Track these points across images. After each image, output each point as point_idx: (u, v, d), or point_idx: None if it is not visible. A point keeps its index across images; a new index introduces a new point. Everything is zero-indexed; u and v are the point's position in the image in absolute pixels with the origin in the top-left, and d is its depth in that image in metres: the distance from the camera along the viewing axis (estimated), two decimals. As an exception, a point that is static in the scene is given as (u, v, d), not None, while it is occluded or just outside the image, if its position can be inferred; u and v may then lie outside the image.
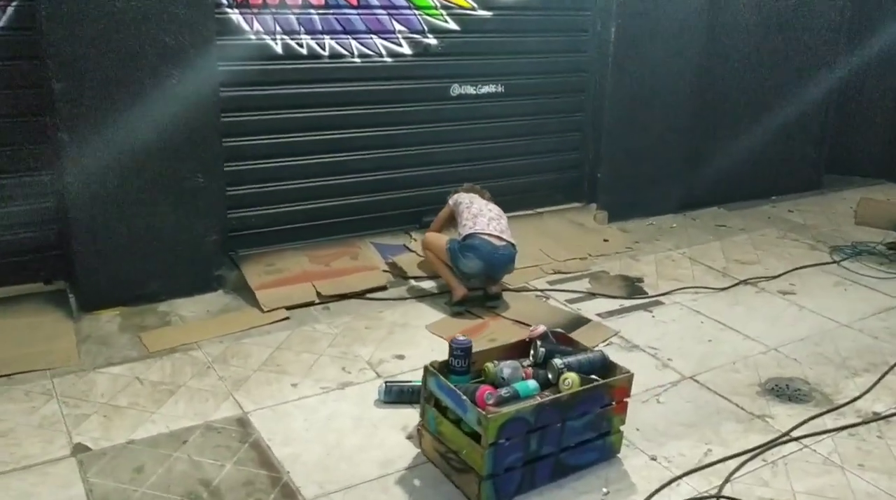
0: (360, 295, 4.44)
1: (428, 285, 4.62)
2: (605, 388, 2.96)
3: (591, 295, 4.66)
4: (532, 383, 2.94)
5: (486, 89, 5.28)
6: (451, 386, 2.84)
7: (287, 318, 4.14)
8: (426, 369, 2.97)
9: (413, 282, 4.66)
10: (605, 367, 3.09)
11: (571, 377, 2.91)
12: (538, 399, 2.83)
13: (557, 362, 3.01)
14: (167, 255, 4.20)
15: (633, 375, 3.03)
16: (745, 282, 4.95)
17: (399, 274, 4.70)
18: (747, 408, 3.53)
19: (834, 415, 3.50)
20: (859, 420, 3.45)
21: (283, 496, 2.79)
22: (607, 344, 4.05)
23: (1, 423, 3.12)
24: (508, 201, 5.46)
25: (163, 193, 4.09)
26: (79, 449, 2.98)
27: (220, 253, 4.42)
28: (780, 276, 5.06)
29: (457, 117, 5.22)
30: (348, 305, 4.35)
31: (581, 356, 3.08)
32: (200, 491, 2.78)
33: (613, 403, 3.00)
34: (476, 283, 4.36)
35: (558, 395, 2.86)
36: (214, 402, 3.35)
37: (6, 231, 3.93)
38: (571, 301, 4.56)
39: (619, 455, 3.12)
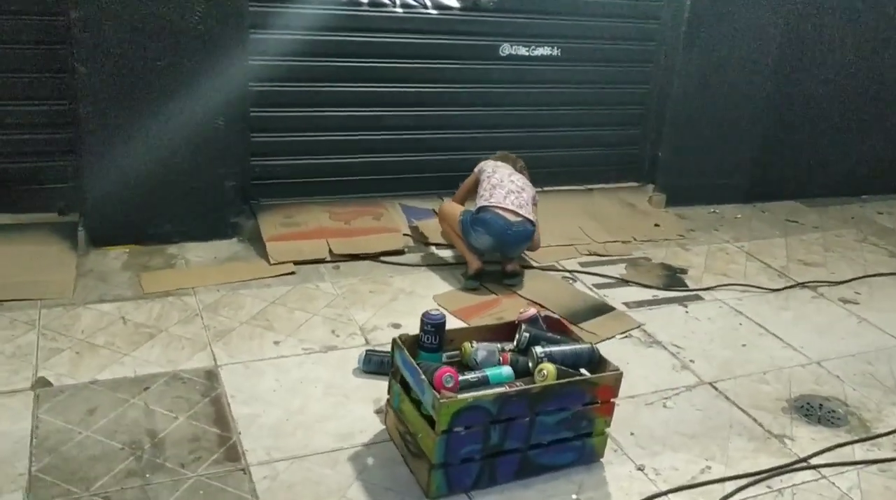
0: (373, 257, 4.24)
1: (447, 253, 4.37)
2: (587, 385, 2.65)
3: (624, 282, 4.29)
4: (506, 370, 2.67)
5: (539, 51, 4.92)
6: (414, 363, 2.60)
7: (293, 272, 3.99)
8: (394, 341, 2.74)
9: (433, 249, 4.41)
10: (594, 362, 2.77)
11: (547, 369, 2.62)
12: (506, 389, 2.56)
13: (538, 350, 2.71)
14: (181, 197, 4.10)
15: (621, 374, 2.70)
16: (802, 285, 4.46)
17: (420, 239, 4.46)
18: (766, 424, 3.13)
19: (867, 445, 3.07)
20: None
21: (225, 458, 2.64)
22: (626, 336, 3.71)
23: (-23, 348, 3.12)
24: (556, 174, 5.17)
25: (180, 134, 3.98)
26: (40, 384, 2.92)
27: (237, 200, 4.30)
28: (845, 282, 4.53)
29: (505, 80, 4.89)
30: (359, 266, 4.16)
31: (567, 347, 2.77)
32: (144, 441, 2.67)
33: (597, 402, 2.69)
34: (492, 257, 4.08)
35: (528, 386, 2.58)
36: (190, 351, 3.24)
37: (24, 158, 3.92)
38: (600, 286, 4.21)
39: (602, 460, 2.81)
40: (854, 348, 3.81)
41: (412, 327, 3.50)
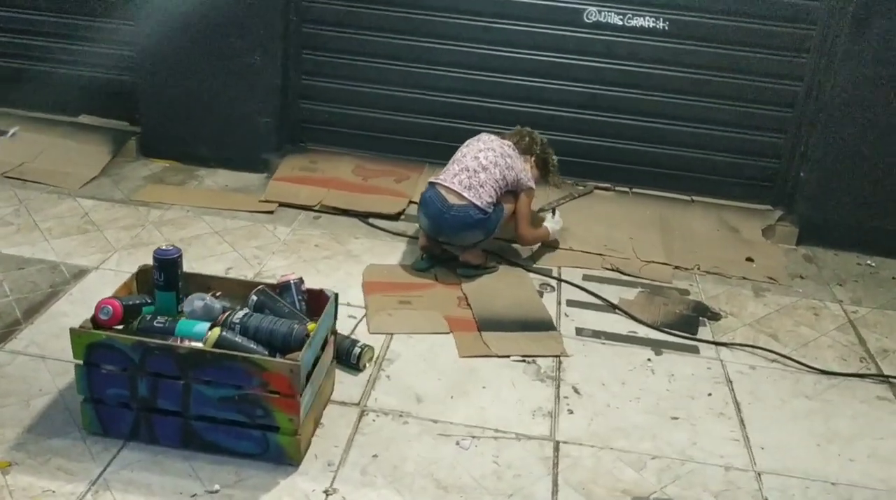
0: (362, 216, 4.01)
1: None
2: (249, 364, 2.23)
3: (612, 308, 3.42)
4: (201, 327, 2.37)
5: (638, 22, 4.08)
6: (118, 296, 2.46)
7: (271, 212, 3.98)
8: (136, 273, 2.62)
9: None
10: (294, 346, 2.31)
11: (210, 335, 2.27)
12: (146, 339, 2.28)
13: (236, 316, 2.36)
14: (218, 125, 4.35)
15: (296, 366, 2.21)
16: (883, 378, 3.08)
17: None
18: (559, 514, 2.30)
19: None
20: None
21: (-10, 337, 2.82)
22: (526, 361, 2.98)
23: (-31, 209, 3.75)
24: (657, 177, 4.33)
25: (217, 65, 4.21)
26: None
27: (272, 136, 4.41)
28: (962, 395, 3.01)
29: (589, 51, 4.17)
30: (340, 221, 3.97)
31: (268, 321, 2.35)
32: (-42, 305, 2.98)
33: (270, 392, 2.25)
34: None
35: (175, 345, 2.27)
36: (101, 254, 3.45)
37: (96, 69, 4.51)
38: (576, 304, 3.42)
39: (298, 467, 2.36)
40: (873, 476, 2.54)
41: (311, 283, 3.32)
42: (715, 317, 3.42)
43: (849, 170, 4.01)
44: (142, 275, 2.60)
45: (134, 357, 2.26)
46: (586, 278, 3.65)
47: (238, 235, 3.74)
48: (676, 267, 3.80)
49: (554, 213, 3.84)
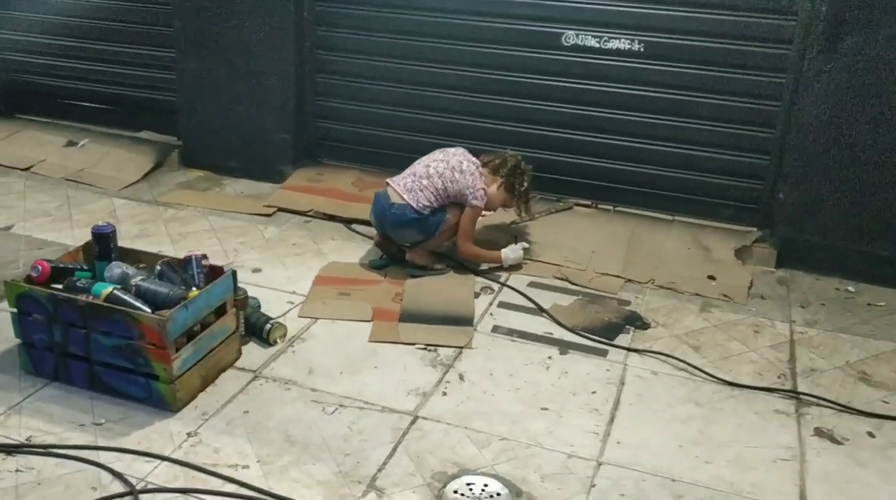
0: (347, 222, 4.38)
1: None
2: (129, 318, 2.64)
3: (539, 311, 3.56)
4: (102, 286, 2.79)
5: (614, 44, 4.21)
6: (53, 260, 2.98)
7: (269, 215, 4.45)
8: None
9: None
10: (167, 306, 2.70)
11: (104, 292, 2.71)
12: (57, 292, 2.76)
13: (134, 280, 2.79)
14: (242, 141, 4.92)
15: (163, 320, 2.59)
16: (793, 395, 3.01)
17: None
18: (361, 475, 2.51)
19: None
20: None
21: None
22: (429, 349, 3.20)
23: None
24: (640, 196, 4.41)
25: (239, 85, 4.79)
26: None
27: (289, 150, 4.91)
28: (879, 417, 2.89)
29: (569, 73, 4.34)
30: (326, 225, 4.36)
31: (156, 284, 2.77)
32: (-22, 272, 3.64)
33: (146, 342, 2.64)
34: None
35: (76, 298, 2.72)
36: (71, 234, 4.07)
37: (153, 91, 5.24)
38: (508, 306, 3.59)
39: (175, 412, 2.73)
40: (703, 479, 2.56)
41: (274, 277, 3.77)
42: (643, 326, 3.46)
43: (829, 191, 3.90)
44: (87, 247, 3.11)
45: (49, 307, 2.75)
46: (532, 285, 3.80)
47: (231, 232, 4.23)
48: (629, 280, 3.86)
49: (517, 241, 4.00)
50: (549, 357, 3.21)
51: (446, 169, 3.71)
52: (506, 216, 4.24)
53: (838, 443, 2.76)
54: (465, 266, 3.90)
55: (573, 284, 3.82)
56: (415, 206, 3.63)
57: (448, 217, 3.71)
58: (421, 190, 3.66)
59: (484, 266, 3.90)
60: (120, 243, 3.07)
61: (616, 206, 4.47)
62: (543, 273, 3.90)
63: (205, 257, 3.01)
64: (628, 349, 3.27)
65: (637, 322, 3.49)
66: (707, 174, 4.27)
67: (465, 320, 3.42)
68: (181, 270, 2.93)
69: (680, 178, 4.32)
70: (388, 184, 3.77)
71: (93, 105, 5.45)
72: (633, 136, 4.34)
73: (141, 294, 2.76)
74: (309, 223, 4.40)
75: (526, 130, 4.51)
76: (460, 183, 3.69)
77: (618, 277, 3.87)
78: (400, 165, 4.61)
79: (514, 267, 3.89)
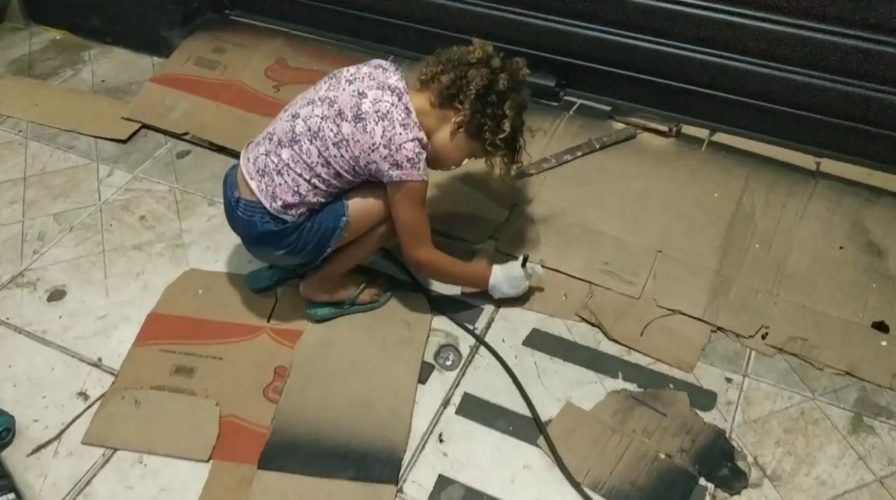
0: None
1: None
2: None
3: (538, 431, 1.88)
4: None
5: None
6: None
7: (125, 141, 2.71)
8: None
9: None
10: None
11: None
12: None
13: None
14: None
15: None
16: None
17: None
18: None
19: None
20: None
21: None
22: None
23: None
24: (759, 117, 2.51)
25: None
26: None
27: (176, 7, 2.98)
28: None
29: None
30: (214, 164, 2.61)
31: None
32: None
33: None
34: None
35: None
36: None
37: None
38: (479, 406, 1.90)
39: None
40: None
41: (78, 305, 2.21)
42: (736, 481, 1.75)
43: None
44: None
45: None
46: (535, 334, 2.05)
47: (49, 186, 2.55)
48: (718, 329, 2.05)
49: (525, 263, 2.10)
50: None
51: (330, 123, 1.79)
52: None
53: None
54: (419, 286, 2.17)
55: (609, 337, 2.05)
56: (268, 206, 1.83)
57: (348, 218, 1.89)
58: (278, 172, 1.81)
59: (456, 288, 2.16)
60: None
61: (715, 131, 2.49)
62: (557, 307, 2.12)
63: None
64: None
65: (724, 467, 1.77)
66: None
67: (385, 464, 1.78)
68: None
69: (840, 88, 2.26)
70: (237, 165, 1.93)
71: None
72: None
73: None
74: (184, 159, 2.65)
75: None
76: (364, 147, 1.75)
77: (698, 319, 2.06)
78: (340, 29, 2.76)
79: (509, 298, 2.13)
